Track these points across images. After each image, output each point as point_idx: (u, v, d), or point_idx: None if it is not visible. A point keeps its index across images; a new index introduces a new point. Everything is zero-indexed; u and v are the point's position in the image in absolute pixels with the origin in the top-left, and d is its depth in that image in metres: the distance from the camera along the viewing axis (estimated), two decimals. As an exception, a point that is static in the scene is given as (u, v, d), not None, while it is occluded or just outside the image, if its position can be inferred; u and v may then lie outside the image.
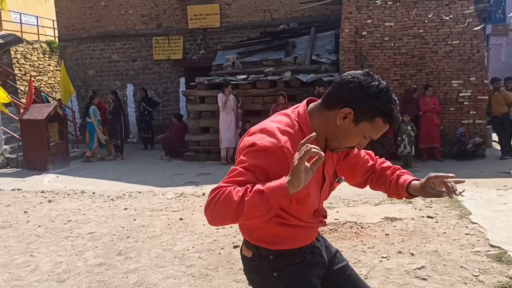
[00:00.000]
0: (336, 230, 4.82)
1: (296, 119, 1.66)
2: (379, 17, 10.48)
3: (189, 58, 14.58)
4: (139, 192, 7.35)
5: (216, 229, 5.11)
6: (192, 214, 5.82)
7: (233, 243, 4.59)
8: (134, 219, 5.66)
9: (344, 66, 10.72)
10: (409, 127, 9.29)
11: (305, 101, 1.73)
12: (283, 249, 1.75)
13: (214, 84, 11.16)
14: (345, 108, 1.58)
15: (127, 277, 3.91)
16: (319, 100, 1.70)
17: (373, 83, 1.59)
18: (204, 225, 5.30)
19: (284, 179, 1.45)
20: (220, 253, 4.36)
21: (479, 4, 10.68)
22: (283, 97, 10.20)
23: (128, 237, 4.97)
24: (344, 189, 7.29)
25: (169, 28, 14.58)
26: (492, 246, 4.05)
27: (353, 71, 1.67)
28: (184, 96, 12.16)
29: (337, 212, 5.52)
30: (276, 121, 1.66)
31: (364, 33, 10.54)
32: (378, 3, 10.34)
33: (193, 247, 4.56)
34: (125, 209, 6.21)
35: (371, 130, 1.62)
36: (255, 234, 1.76)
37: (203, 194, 7.00)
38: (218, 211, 1.49)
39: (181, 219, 5.57)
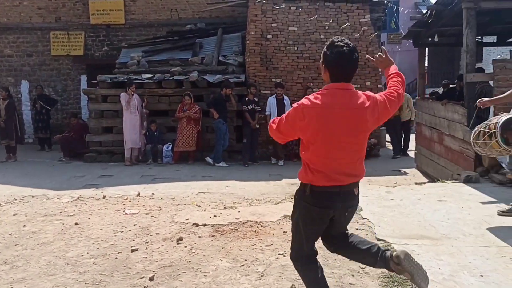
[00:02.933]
0: (236, 229, 4.88)
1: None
2: (283, 22, 10.82)
3: (91, 54, 13.94)
4: (32, 196, 6.86)
5: (114, 233, 4.93)
6: (89, 218, 5.55)
7: (131, 246, 4.45)
8: (24, 225, 5.28)
9: (250, 68, 10.92)
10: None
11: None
12: None
13: (118, 82, 10.79)
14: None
15: (12, 287, 3.63)
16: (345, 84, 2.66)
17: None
18: (101, 229, 5.09)
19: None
20: (116, 258, 4.21)
21: (374, 14, 11.46)
22: (189, 97, 10.14)
23: (16, 245, 4.62)
24: (248, 188, 7.47)
25: (69, 23, 13.82)
26: (378, 239, 4.33)
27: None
28: (85, 95, 11.63)
29: (239, 212, 5.58)
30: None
31: (269, 36, 10.82)
32: (283, 6, 10.66)
33: (87, 253, 4.35)
34: (15, 214, 5.76)
35: None
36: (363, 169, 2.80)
37: (104, 197, 6.70)
38: None
39: (76, 223, 5.29)
